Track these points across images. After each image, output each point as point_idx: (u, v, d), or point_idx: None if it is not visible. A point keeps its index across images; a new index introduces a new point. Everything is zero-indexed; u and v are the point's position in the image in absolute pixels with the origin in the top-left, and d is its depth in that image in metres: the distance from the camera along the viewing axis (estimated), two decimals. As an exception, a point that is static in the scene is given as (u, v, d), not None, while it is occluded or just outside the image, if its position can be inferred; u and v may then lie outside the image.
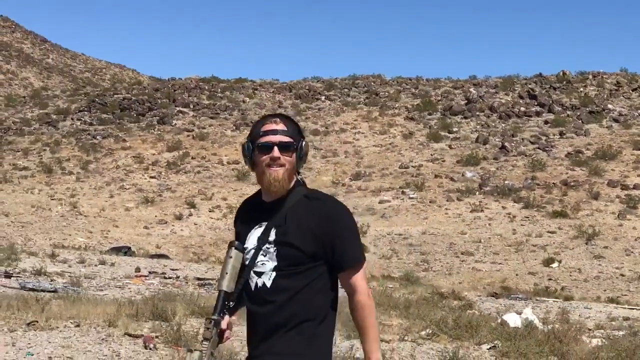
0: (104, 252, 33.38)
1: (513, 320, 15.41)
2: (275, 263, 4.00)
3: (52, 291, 17.47)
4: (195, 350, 3.82)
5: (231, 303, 4.04)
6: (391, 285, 24.52)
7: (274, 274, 4.00)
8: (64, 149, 67.82)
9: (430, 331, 14.39)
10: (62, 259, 27.00)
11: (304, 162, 4.16)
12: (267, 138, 4.04)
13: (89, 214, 48.16)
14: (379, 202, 48.19)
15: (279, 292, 4.00)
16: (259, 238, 4.06)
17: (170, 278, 23.57)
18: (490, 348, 13.42)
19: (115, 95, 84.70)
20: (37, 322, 12.67)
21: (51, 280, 20.27)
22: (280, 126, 4.07)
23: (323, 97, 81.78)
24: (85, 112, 79.37)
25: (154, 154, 64.75)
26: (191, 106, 78.38)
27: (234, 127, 71.14)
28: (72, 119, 77.92)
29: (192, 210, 49.12)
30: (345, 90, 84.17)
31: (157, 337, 12.00)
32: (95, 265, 26.15)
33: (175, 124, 72.96)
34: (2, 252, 25.66)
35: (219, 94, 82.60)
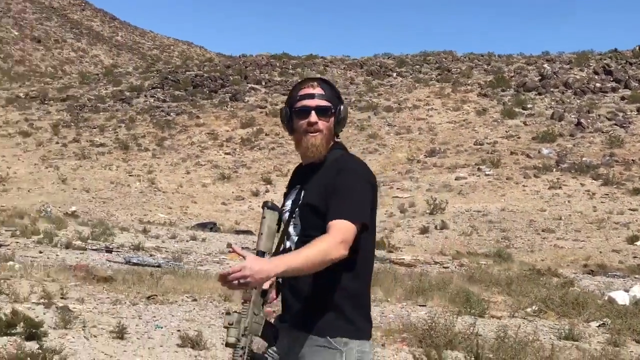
0: (190, 227, 33.78)
1: (621, 297, 15.34)
2: (300, 226, 3.96)
3: (156, 266, 17.81)
4: (234, 312, 3.63)
5: None
6: (484, 262, 24.47)
7: (296, 237, 3.96)
8: (138, 125, 68.56)
9: (537, 308, 14.41)
10: (154, 235, 27.42)
11: (342, 126, 4.08)
12: (304, 102, 4.00)
13: (167, 190, 48.76)
14: (455, 179, 48.02)
15: None
16: (292, 201, 4.05)
17: (263, 253, 23.75)
18: (599, 325, 13.39)
19: (187, 72, 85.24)
20: (156, 296, 12.96)
21: (150, 255, 20.64)
22: (318, 90, 4.02)
23: (395, 74, 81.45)
24: (158, 89, 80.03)
25: (227, 131, 65.17)
26: (263, 83, 78.61)
27: (307, 104, 71.20)
28: (145, 95, 78.62)
29: (268, 186, 49.44)
30: (417, 66, 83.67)
31: (274, 311, 12.21)
32: (187, 241, 26.52)
33: (248, 101, 73.27)
34: (97, 227, 26.14)
35: (290, 71, 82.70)
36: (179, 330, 10.52)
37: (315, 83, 4.05)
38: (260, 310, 3.72)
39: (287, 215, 4.01)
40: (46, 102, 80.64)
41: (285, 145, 59.85)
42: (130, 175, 52.75)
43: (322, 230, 3.72)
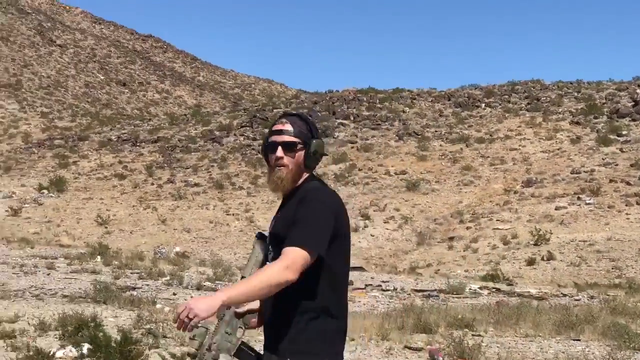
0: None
1: None
2: (273, 254, 4.12)
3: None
4: (200, 326, 3.84)
5: None
6: (612, 293, 24.07)
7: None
8: (230, 164, 69.22)
9: None
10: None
11: (316, 160, 4.27)
12: (272, 138, 4.25)
13: (266, 228, 48.90)
14: (555, 209, 47.43)
15: None
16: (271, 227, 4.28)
17: (387, 290, 23.78)
18: None
19: (275, 110, 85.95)
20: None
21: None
22: (287, 127, 4.23)
23: (483, 105, 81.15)
24: (247, 127, 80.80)
25: (320, 167, 65.27)
26: (351, 118, 78.83)
27: (397, 138, 71.31)
28: (235, 134, 79.42)
29: (366, 221, 49.38)
30: (505, 96, 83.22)
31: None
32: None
33: (338, 136, 73.52)
34: (216, 267, 26.40)
35: (378, 105, 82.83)
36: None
37: (285, 120, 4.30)
38: (234, 331, 3.96)
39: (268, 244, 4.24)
40: (138, 144, 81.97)
41: (379, 180, 59.89)
42: (227, 215, 53.19)
43: None
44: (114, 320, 13.92)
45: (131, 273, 23.89)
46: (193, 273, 24.95)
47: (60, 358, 10.52)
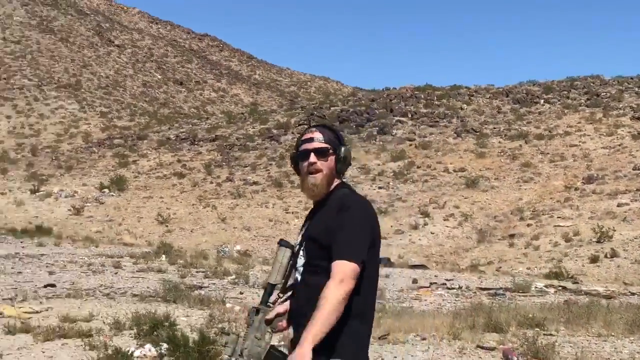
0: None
1: None
2: (304, 259, 4.33)
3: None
4: (233, 333, 4.14)
5: (280, 294, 4.40)
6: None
7: (302, 268, 4.34)
8: (289, 163, 69.23)
9: None
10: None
11: (345, 166, 4.47)
12: (304, 146, 4.44)
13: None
14: (618, 206, 46.86)
15: (303, 288, 4.31)
16: (301, 236, 4.45)
17: (452, 288, 23.72)
18: None
19: (332, 108, 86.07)
20: (388, 335, 13.05)
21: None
22: (316, 135, 4.44)
23: (542, 101, 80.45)
24: (305, 125, 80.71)
25: (378, 165, 65.33)
26: (409, 115, 78.65)
27: (455, 135, 71.00)
28: (292, 132, 79.54)
29: (426, 219, 49.22)
30: (564, 92, 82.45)
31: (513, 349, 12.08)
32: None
33: (396, 134, 73.42)
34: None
35: (436, 102, 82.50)
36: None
37: (314, 129, 4.52)
38: (263, 335, 4.17)
39: (297, 249, 4.41)
40: (196, 142, 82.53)
41: (438, 178, 59.69)
42: (287, 213, 53.36)
43: (323, 259, 4.17)
44: (186, 319, 14.06)
45: (196, 272, 24.08)
46: (257, 272, 25.07)
47: (138, 357, 10.66)
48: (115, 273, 23.73)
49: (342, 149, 4.45)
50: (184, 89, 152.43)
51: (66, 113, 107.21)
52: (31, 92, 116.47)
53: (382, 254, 38.52)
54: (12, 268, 22.10)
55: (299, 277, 4.38)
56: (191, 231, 48.94)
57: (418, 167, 63.02)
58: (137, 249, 34.04)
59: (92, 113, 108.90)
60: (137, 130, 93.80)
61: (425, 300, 20.37)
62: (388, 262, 34.00)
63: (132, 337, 12.14)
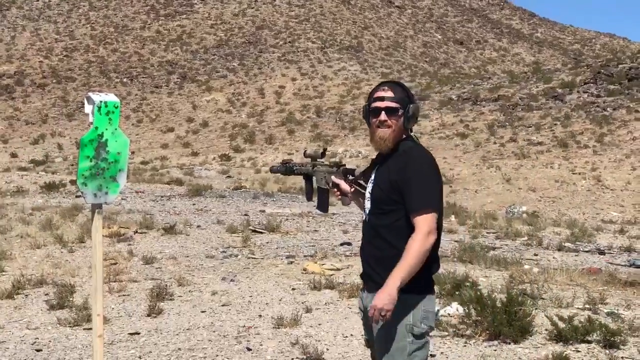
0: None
1: None
2: (371, 200, 5.00)
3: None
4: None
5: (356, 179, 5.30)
6: None
7: (368, 210, 5.02)
8: (574, 122, 67.53)
9: None
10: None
11: (413, 123, 4.98)
12: (375, 104, 4.94)
13: (615, 187, 47.39)
14: None
15: (370, 228, 4.99)
16: (371, 179, 5.06)
17: None
18: None
19: (620, 65, 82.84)
20: None
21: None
22: (388, 93, 4.93)
23: None
24: (591, 84, 78.39)
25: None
26: None
27: None
28: (578, 92, 77.38)
29: None
30: None
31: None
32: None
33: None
34: (571, 228, 25.92)
35: None
36: None
37: (386, 87, 4.98)
38: (329, 181, 5.40)
39: (369, 186, 5.07)
40: (478, 102, 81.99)
41: None
42: (573, 174, 51.93)
43: (387, 204, 4.84)
44: (485, 280, 13.95)
45: (487, 233, 23.88)
46: (549, 233, 24.52)
47: (442, 316, 10.69)
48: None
49: (411, 106, 4.92)
50: (464, 49, 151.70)
51: (348, 74, 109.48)
52: (315, 54, 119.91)
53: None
54: (307, 227, 22.82)
55: (366, 218, 5.06)
56: (475, 192, 48.69)
57: None
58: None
59: (374, 74, 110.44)
60: (419, 91, 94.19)
61: None
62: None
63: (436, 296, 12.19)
